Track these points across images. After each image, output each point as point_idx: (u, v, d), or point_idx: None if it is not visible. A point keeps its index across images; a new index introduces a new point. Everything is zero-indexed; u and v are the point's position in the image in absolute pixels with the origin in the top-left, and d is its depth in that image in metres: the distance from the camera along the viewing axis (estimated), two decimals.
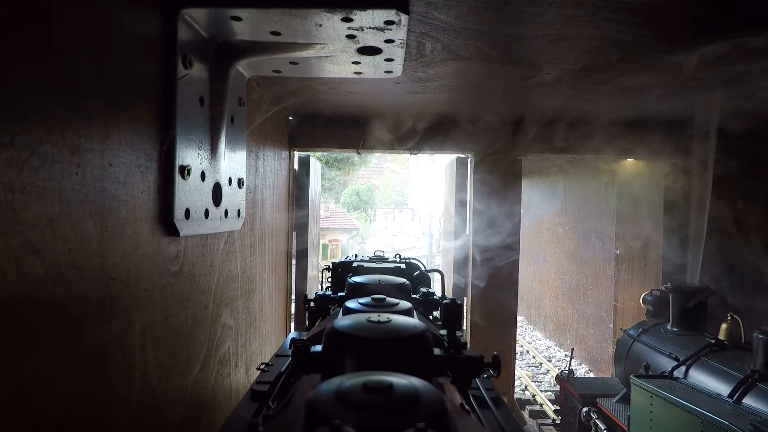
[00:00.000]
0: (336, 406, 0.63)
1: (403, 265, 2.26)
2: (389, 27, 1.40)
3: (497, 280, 4.17)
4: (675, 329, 4.20)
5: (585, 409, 4.69)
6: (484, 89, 3.02)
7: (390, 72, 1.83)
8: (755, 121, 3.59)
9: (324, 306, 1.82)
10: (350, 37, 1.48)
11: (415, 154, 4.34)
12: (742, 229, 4.26)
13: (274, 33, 1.48)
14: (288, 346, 1.65)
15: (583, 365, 8.35)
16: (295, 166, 4.19)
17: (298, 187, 4.27)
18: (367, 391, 0.65)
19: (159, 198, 1.32)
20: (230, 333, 2.07)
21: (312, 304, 1.87)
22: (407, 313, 1.14)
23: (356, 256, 2.95)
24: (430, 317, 1.76)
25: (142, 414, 1.27)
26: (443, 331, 1.09)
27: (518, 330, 8.34)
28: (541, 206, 10.53)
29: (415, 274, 2.27)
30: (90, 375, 1.05)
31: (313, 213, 4.63)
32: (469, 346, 1.06)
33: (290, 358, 1.22)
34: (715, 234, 4.20)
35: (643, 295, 4.86)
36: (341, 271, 2.29)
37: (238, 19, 1.38)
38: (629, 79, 2.62)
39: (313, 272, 4.63)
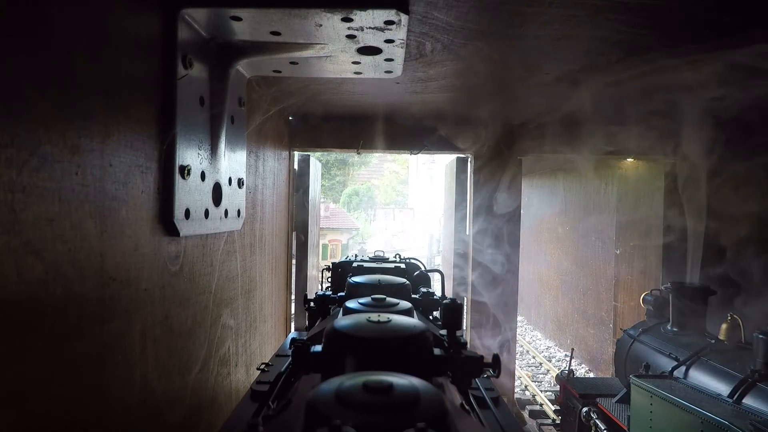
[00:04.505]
0: (336, 406, 0.63)
1: (403, 265, 2.26)
2: (389, 27, 1.41)
3: (497, 280, 4.17)
4: (675, 329, 4.20)
5: (585, 409, 4.68)
6: (484, 89, 3.02)
7: (390, 72, 1.83)
8: (756, 120, 3.60)
9: (324, 306, 1.82)
10: (350, 37, 1.48)
11: (415, 154, 4.35)
12: (742, 228, 4.26)
13: (274, 33, 1.48)
14: (288, 346, 1.66)
15: (583, 365, 8.34)
16: (295, 166, 4.19)
17: (298, 187, 4.27)
18: (367, 391, 0.65)
19: (159, 198, 1.32)
20: (230, 333, 2.07)
21: (312, 304, 1.87)
22: (407, 313, 1.14)
23: (356, 256, 2.96)
24: (430, 317, 1.76)
25: (142, 414, 1.27)
26: (443, 331, 1.09)
27: (518, 330, 8.35)
28: (541, 206, 10.53)
29: (415, 274, 2.27)
30: (90, 375, 1.05)
31: (313, 213, 4.62)
32: (468, 346, 1.06)
33: (290, 358, 1.22)
34: (715, 233, 4.20)
35: (643, 295, 4.86)
36: (341, 271, 2.29)
37: (238, 19, 1.38)
38: (629, 79, 2.62)
39: (313, 272, 4.63)
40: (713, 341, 3.73)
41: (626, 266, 7.07)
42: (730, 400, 3.08)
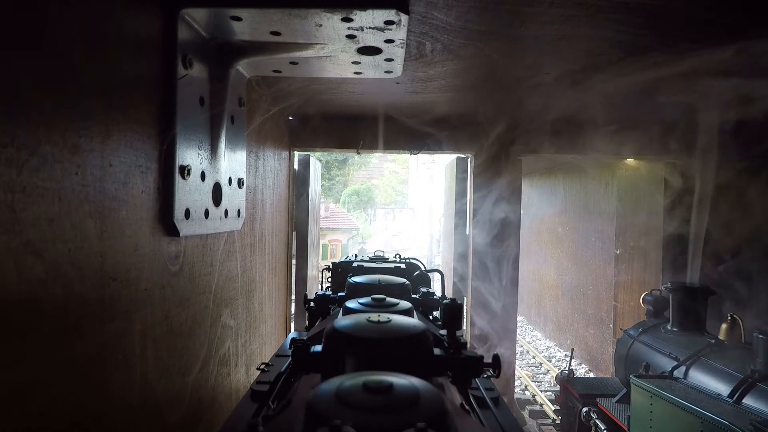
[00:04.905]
0: (336, 406, 0.63)
1: (403, 265, 2.26)
2: (389, 27, 1.41)
3: (497, 280, 4.17)
4: (675, 329, 4.20)
5: (585, 409, 4.68)
6: (484, 89, 3.02)
7: (390, 72, 1.83)
8: (756, 120, 3.59)
9: (324, 306, 1.82)
10: (350, 37, 1.48)
11: (415, 154, 4.35)
12: (743, 228, 4.26)
13: (274, 33, 1.48)
14: (288, 346, 1.65)
15: (583, 365, 8.35)
16: (295, 166, 4.19)
17: (298, 187, 4.27)
18: (367, 391, 0.65)
19: (159, 198, 1.32)
20: (230, 333, 2.07)
21: (312, 304, 1.87)
22: (407, 313, 1.14)
23: (356, 256, 2.96)
24: (430, 317, 1.76)
25: (142, 414, 1.27)
26: (443, 331, 1.09)
27: (518, 330, 8.35)
28: (541, 206, 10.53)
29: (415, 274, 2.27)
30: (90, 375, 1.05)
31: (313, 213, 4.62)
32: (469, 346, 1.06)
33: (290, 358, 1.22)
34: (715, 233, 4.20)
35: (643, 295, 4.86)
36: (341, 271, 2.29)
37: (238, 19, 1.38)
38: (629, 79, 2.62)
39: (313, 272, 4.63)
40: (713, 341, 3.73)
41: (626, 266, 7.07)
42: (730, 400, 3.08)
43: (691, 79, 2.62)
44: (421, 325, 0.95)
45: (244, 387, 2.17)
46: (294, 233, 4.19)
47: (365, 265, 2.25)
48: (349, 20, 1.36)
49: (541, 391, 7.30)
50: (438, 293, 1.92)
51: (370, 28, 1.41)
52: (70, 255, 0.96)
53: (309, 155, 4.50)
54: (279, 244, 3.39)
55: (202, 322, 1.71)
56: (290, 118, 3.90)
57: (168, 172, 1.35)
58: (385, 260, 2.56)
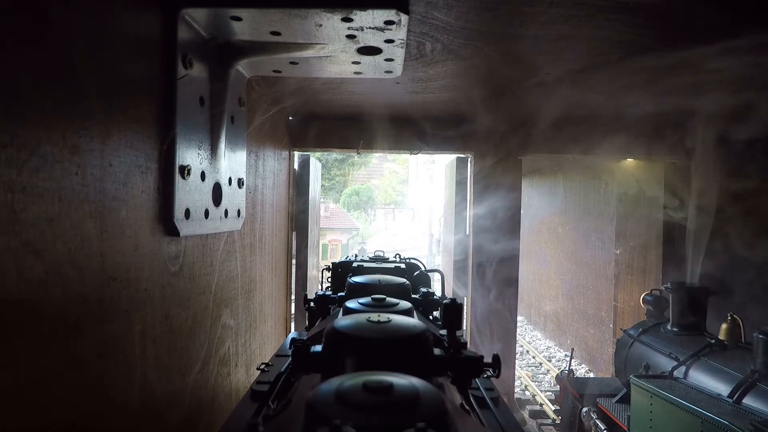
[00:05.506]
0: (336, 406, 0.63)
1: (403, 265, 2.25)
2: (389, 27, 1.41)
3: (497, 280, 4.17)
4: (675, 329, 4.20)
5: (585, 409, 4.68)
6: (484, 89, 3.02)
7: (390, 72, 1.83)
8: (756, 120, 3.59)
9: (324, 306, 1.81)
10: (350, 37, 1.48)
11: (415, 154, 4.35)
12: (742, 228, 4.26)
13: (274, 33, 1.48)
14: (288, 346, 1.65)
15: (583, 365, 8.35)
16: (295, 166, 4.19)
17: (298, 187, 4.27)
18: (367, 391, 0.65)
19: (159, 198, 1.32)
20: (230, 333, 2.07)
21: (312, 304, 1.87)
22: (407, 313, 1.14)
23: (356, 256, 2.95)
24: (430, 317, 1.76)
25: (142, 414, 1.27)
26: (443, 331, 1.09)
27: (518, 330, 8.34)
28: (541, 206, 10.53)
29: (415, 274, 2.26)
30: (90, 375, 1.05)
31: (313, 213, 4.62)
32: (468, 346, 1.05)
33: (290, 358, 1.22)
34: (715, 233, 4.20)
35: (643, 295, 4.86)
36: (341, 271, 2.28)
37: (238, 19, 1.38)
38: (629, 79, 2.62)
39: (313, 272, 4.63)
40: (713, 341, 3.73)
41: (626, 266, 7.07)
42: (730, 400, 3.08)
43: (691, 80, 2.63)
44: (421, 325, 0.95)
45: (244, 387, 2.17)
46: (294, 233, 4.19)
47: (365, 265, 2.25)
48: (349, 20, 1.36)
49: (541, 391, 7.30)
50: (438, 293, 1.92)
51: (370, 28, 1.41)
52: (70, 255, 0.96)
53: (309, 155, 4.50)
54: (279, 244, 3.39)
55: (202, 322, 1.71)
56: (290, 118, 3.90)
57: (168, 172, 1.35)
58: (385, 260, 2.55)
